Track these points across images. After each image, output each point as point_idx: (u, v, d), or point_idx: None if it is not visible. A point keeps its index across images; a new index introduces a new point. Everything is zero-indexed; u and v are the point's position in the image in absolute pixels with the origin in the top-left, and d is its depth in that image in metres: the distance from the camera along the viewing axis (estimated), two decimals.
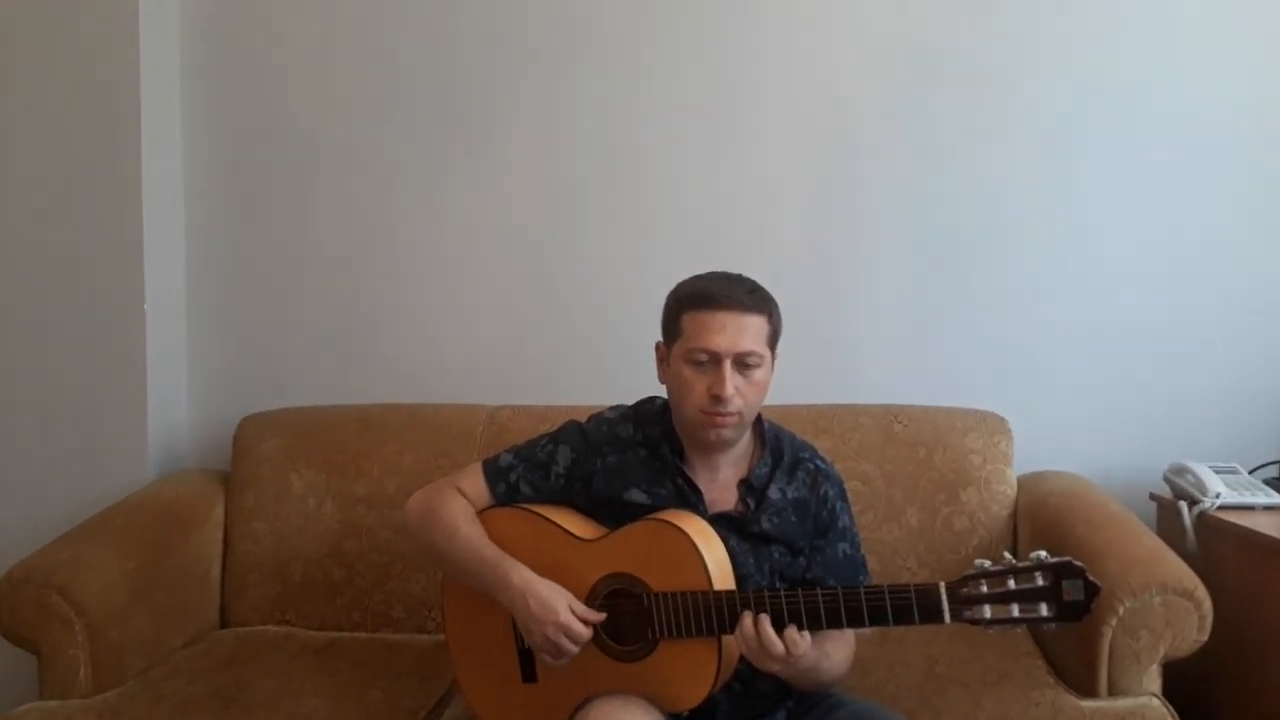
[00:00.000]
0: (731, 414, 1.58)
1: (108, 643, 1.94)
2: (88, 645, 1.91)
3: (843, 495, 1.74)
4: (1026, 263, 2.45)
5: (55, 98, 2.39)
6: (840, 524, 1.71)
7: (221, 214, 2.58)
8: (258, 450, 2.35)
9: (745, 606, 1.51)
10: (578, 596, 1.61)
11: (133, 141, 2.39)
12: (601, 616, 1.59)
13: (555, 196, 2.53)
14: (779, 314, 1.64)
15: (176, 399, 2.55)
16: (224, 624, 2.29)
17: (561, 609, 1.57)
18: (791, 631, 1.48)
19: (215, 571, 2.29)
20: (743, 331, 1.58)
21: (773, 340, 1.63)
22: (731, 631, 1.52)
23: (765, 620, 1.48)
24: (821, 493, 1.70)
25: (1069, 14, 2.42)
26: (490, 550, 1.65)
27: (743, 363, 1.58)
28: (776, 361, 1.65)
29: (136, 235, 2.39)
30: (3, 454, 2.42)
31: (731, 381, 1.57)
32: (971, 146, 2.44)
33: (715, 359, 1.58)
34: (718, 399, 1.57)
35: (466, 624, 1.73)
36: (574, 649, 1.58)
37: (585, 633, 1.57)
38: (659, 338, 1.69)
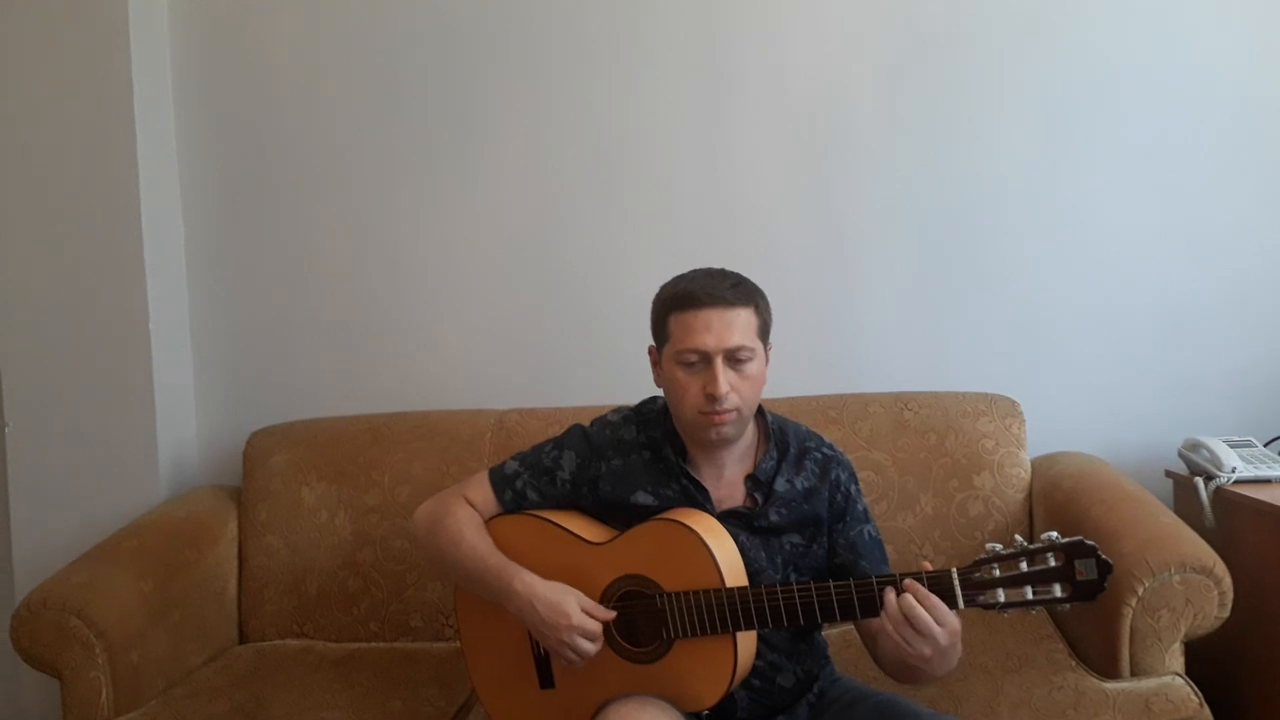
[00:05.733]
0: (729, 411, 1.57)
1: (128, 664, 1.95)
2: (108, 667, 1.92)
3: (854, 479, 1.73)
4: (1032, 243, 2.43)
5: (49, 118, 2.39)
6: (859, 506, 1.70)
7: (221, 230, 2.58)
8: (268, 464, 2.35)
9: (758, 602, 1.50)
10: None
11: (129, 160, 2.39)
12: (612, 615, 1.59)
13: (553, 198, 2.52)
14: (767, 304, 1.63)
15: (185, 417, 2.56)
16: (242, 640, 2.30)
17: (572, 610, 1.56)
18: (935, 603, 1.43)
19: (231, 588, 2.30)
20: (729, 327, 1.56)
21: (763, 332, 1.62)
22: (744, 628, 1.52)
23: (908, 596, 1.43)
24: (834, 478, 1.69)
25: None
26: (494, 558, 1.64)
27: (734, 358, 1.57)
28: (771, 352, 1.64)
29: (137, 255, 2.40)
30: (15, 479, 2.43)
31: (724, 379, 1.55)
32: (974, 128, 2.42)
33: (705, 358, 1.56)
34: (713, 398, 1.56)
35: (482, 633, 1.72)
36: (592, 648, 1.57)
37: (598, 628, 1.57)
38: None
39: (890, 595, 1.44)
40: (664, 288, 1.65)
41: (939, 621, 1.42)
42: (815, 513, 1.66)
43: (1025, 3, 2.41)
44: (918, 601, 1.42)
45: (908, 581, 1.44)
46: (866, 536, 1.68)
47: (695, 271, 1.63)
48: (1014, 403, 2.25)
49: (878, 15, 2.43)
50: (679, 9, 2.46)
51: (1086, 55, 2.40)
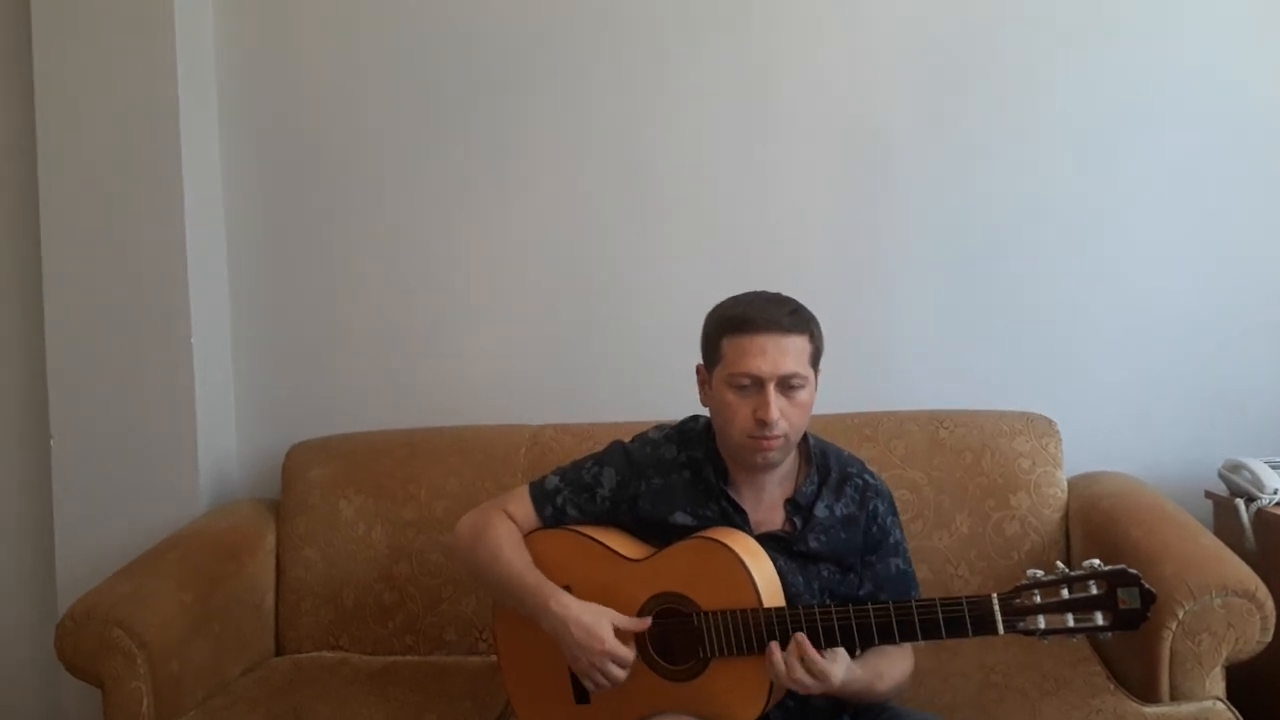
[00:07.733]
0: (777, 437, 1.57)
1: (168, 674, 1.97)
2: (149, 677, 1.94)
3: (893, 509, 1.72)
4: (1067, 261, 2.42)
5: (96, 134, 2.43)
6: (891, 539, 1.70)
7: (263, 245, 2.61)
8: (307, 478, 2.38)
9: (796, 623, 1.50)
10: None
11: (174, 175, 2.42)
12: (647, 623, 1.59)
13: (590, 215, 2.54)
14: (820, 332, 1.63)
15: (225, 430, 2.59)
16: (279, 651, 2.32)
17: (607, 635, 1.57)
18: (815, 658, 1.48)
19: (269, 599, 2.33)
20: (784, 354, 1.56)
21: (815, 359, 1.61)
22: (784, 648, 1.51)
23: (796, 648, 1.48)
24: (871, 508, 1.68)
25: (1103, 9, 2.39)
26: (532, 575, 1.65)
27: (786, 385, 1.57)
28: (819, 376, 1.64)
29: (181, 270, 2.43)
30: (59, 491, 2.46)
31: (776, 405, 1.55)
32: (1005, 146, 2.42)
33: (758, 383, 1.56)
34: (763, 423, 1.55)
35: (519, 646, 1.73)
36: (621, 675, 1.57)
37: (630, 655, 1.57)
38: (698, 356, 1.68)
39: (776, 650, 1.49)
40: (718, 308, 1.64)
41: (814, 675, 1.46)
42: (852, 543, 1.66)
43: (1059, 26, 2.40)
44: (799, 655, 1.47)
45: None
46: (893, 570, 1.68)
47: (751, 294, 1.63)
48: (1051, 422, 2.23)
49: (915, 37, 2.44)
50: (720, 30, 2.47)
51: (1120, 77, 2.39)
